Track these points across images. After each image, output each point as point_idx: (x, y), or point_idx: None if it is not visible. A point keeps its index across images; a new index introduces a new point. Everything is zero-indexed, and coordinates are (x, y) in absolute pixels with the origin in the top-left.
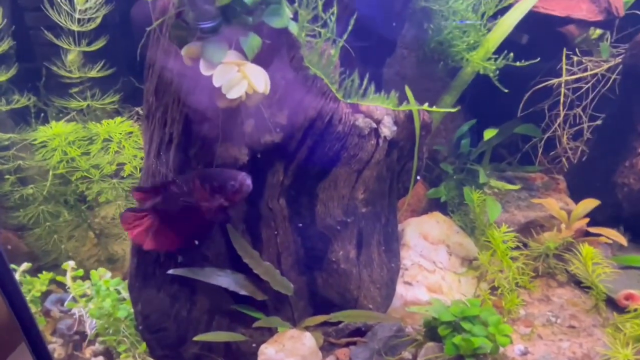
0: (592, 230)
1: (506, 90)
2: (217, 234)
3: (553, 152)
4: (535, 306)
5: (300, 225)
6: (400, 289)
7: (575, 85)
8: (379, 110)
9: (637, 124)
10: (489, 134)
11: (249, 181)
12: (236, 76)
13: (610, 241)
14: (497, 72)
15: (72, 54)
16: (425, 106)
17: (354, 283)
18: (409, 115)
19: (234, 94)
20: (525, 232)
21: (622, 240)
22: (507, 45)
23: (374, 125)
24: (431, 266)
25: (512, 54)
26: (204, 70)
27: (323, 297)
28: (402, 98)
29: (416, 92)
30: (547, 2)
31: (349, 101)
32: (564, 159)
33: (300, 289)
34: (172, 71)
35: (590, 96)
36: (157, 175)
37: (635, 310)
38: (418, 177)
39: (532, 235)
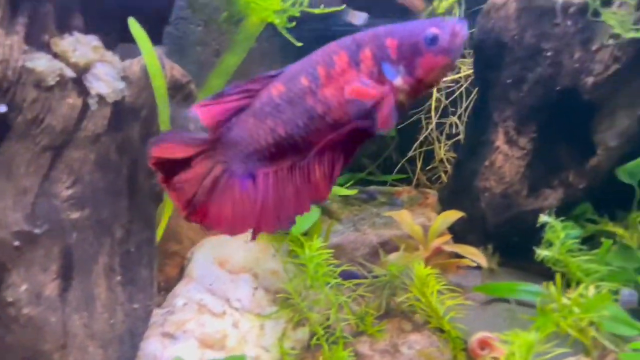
0: (448, 248)
1: (299, 44)
2: None
3: (430, 166)
4: None
5: None
6: (152, 345)
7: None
8: (81, 52)
9: (494, 112)
10: None
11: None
12: None
13: (474, 264)
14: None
15: None
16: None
17: (53, 340)
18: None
19: None
20: (376, 256)
21: (482, 259)
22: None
23: (71, 74)
24: (220, 306)
25: None
26: None
27: None
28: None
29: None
30: None
31: None
32: (442, 173)
33: None
34: None
35: (465, 103)
36: None
37: None
38: None
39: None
